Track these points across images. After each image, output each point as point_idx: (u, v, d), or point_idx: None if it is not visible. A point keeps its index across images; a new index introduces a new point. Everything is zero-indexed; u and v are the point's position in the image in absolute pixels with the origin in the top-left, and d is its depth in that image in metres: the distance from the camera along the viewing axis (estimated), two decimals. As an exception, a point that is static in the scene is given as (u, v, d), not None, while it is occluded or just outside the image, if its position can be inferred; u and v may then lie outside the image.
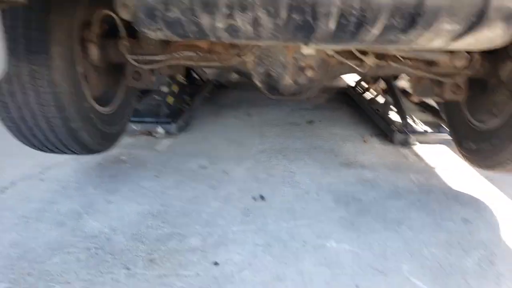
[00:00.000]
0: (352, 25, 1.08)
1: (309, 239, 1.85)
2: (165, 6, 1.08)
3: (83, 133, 1.97)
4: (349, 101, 4.49)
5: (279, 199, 2.22)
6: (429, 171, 2.66)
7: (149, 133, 3.23)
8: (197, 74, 4.48)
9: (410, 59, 1.99)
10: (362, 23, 1.07)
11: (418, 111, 3.93)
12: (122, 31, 1.99)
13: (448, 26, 1.06)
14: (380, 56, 1.97)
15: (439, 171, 2.65)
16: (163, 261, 1.67)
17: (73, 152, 2.10)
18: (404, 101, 3.47)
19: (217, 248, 1.76)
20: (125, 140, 3.05)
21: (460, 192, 2.38)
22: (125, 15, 1.44)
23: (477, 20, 1.04)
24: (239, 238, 1.84)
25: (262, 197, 2.22)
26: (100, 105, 2.18)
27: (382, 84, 4.12)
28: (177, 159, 2.75)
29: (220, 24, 1.11)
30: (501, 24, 1.05)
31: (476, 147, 2.15)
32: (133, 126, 3.25)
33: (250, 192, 2.28)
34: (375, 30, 1.09)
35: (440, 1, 1.01)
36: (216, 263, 1.66)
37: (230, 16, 1.08)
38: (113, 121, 2.32)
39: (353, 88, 4.59)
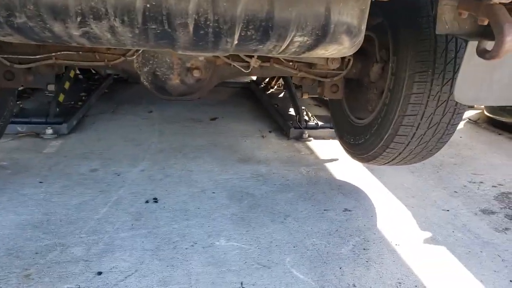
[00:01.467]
0: (211, 35, 1.11)
1: (200, 239, 1.88)
2: (8, 12, 1.00)
3: None
4: (251, 96, 4.60)
5: (173, 200, 2.21)
6: (318, 164, 2.85)
7: (37, 135, 3.00)
8: (94, 68, 4.24)
9: (291, 61, 2.11)
10: (220, 34, 1.10)
11: (314, 106, 4.19)
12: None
13: (299, 39, 1.14)
14: (264, 58, 2.06)
15: (328, 164, 2.86)
16: (40, 276, 1.58)
17: None
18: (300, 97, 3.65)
19: (102, 257, 1.71)
20: (8, 144, 2.80)
21: (344, 182, 2.59)
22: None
23: (322, 34, 1.14)
24: (127, 244, 1.81)
25: (155, 200, 2.20)
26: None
27: (282, 80, 4.29)
28: (66, 162, 2.59)
29: (76, 32, 1.07)
30: (345, 36, 1.17)
31: (354, 141, 2.35)
32: (18, 128, 2.99)
33: (143, 195, 2.24)
34: (234, 41, 1.14)
35: (287, 15, 1.08)
36: (99, 273, 1.62)
37: (84, 23, 1.04)
38: (-15, 125, 2.12)
39: (255, 83, 4.71)
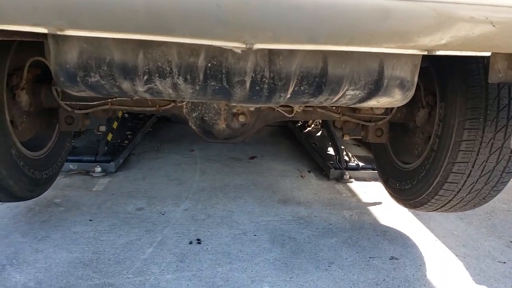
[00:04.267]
0: (265, 90, 1.16)
1: (243, 284, 1.87)
2: (85, 72, 1.10)
3: (8, 181, 1.89)
4: (289, 134, 4.64)
5: (216, 242, 2.23)
6: (361, 207, 2.80)
7: (87, 172, 3.14)
8: (139, 109, 4.44)
9: (335, 106, 2.13)
10: (274, 89, 1.15)
11: (353, 145, 4.16)
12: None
13: (351, 92, 1.17)
14: (308, 103, 2.09)
15: (371, 207, 2.80)
16: (90, 317, 1.62)
17: (-1, 200, 2.00)
18: (340, 137, 3.64)
19: (149, 299, 1.73)
20: (60, 181, 2.95)
21: (389, 228, 2.52)
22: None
23: (375, 88, 1.16)
24: (173, 286, 1.83)
25: (198, 241, 2.22)
26: (31, 149, 2.11)
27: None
28: (114, 200, 2.69)
29: (141, 88, 1.15)
30: (397, 90, 1.18)
31: (400, 186, 2.30)
32: (70, 166, 3.15)
33: (187, 235, 2.27)
34: (287, 95, 1.18)
35: (341, 71, 1.12)
36: (146, 316, 1.63)
37: (149, 81, 1.12)
38: (45, 166, 2.25)
39: (293, 122, 4.76)
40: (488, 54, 1.15)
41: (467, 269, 2.10)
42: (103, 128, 2.75)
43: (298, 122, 4.68)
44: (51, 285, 1.79)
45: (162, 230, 2.32)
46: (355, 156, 3.54)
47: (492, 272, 2.08)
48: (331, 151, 3.72)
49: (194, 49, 1.08)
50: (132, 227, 2.34)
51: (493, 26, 0.85)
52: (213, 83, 1.13)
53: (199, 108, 2.08)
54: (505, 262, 2.18)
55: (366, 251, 2.21)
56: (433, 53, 1.01)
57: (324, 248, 2.22)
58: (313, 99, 1.22)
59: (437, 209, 2.11)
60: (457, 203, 2.00)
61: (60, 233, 2.23)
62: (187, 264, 2.00)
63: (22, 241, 2.13)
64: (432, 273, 2.04)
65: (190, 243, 2.20)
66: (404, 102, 1.31)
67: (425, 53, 1.03)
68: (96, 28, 0.93)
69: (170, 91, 1.17)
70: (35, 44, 1.87)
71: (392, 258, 2.16)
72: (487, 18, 0.87)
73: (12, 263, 1.94)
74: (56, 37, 1.08)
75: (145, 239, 2.21)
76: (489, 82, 1.43)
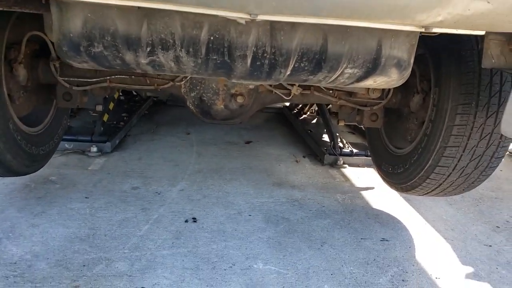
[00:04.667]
0: (266, 66, 1.18)
1: (238, 261, 1.92)
2: (89, 42, 1.11)
3: (6, 155, 1.90)
4: (285, 121, 4.67)
5: (211, 221, 2.27)
6: (354, 191, 2.85)
7: (82, 152, 3.15)
8: (135, 91, 4.43)
9: (332, 89, 2.16)
10: (275, 65, 1.17)
11: (347, 133, 4.20)
12: (53, 53, 1.97)
13: (349, 70, 1.20)
14: (305, 86, 2.12)
15: (364, 192, 2.85)
16: (88, 288, 1.65)
17: (-5, 175, 2.01)
18: (335, 123, 3.68)
19: (145, 273, 1.77)
20: (56, 159, 2.96)
21: (381, 211, 2.57)
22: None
23: (373, 67, 1.19)
24: (168, 262, 1.86)
25: (194, 219, 2.26)
26: (28, 125, 2.12)
27: (315, 106, 4.34)
28: (110, 179, 2.71)
29: (143, 60, 1.17)
30: (394, 69, 1.21)
31: (392, 170, 2.35)
32: (66, 145, 3.15)
33: (182, 214, 2.31)
34: (287, 71, 1.20)
35: (340, 48, 1.14)
36: (142, 288, 1.67)
37: (152, 53, 1.14)
38: (41, 142, 2.26)
39: (288, 108, 4.78)
40: (482, 33, 1.18)
41: (454, 251, 2.16)
42: (99, 107, 2.75)
43: (294, 109, 4.70)
44: (48, 257, 1.82)
45: (158, 208, 2.35)
46: (349, 142, 3.58)
47: (478, 254, 2.15)
48: (325, 137, 3.75)
49: (197, 22, 1.09)
50: (128, 205, 2.37)
51: (488, 2, 0.88)
52: (215, 57, 1.15)
53: (198, 88, 2.10)
54: (491, 245, 2.25)
55: (358, 232, 2.27)
56: (430, 30, 1.04)
57: (317, 228, 2.27)
58: (312, 77, 1.25)
59: (428, 192, 2.16)
60: (447, 187, 2.06)
61: (56, 209, 2.25)
62: (183, 241, 2.04)
63: (18, 215, 2.15)
64: (420, 254, 2.10)
65: (186, 221, 2.24)
66: (400, 83, 1.34)
67: (422, 29, 1.06)
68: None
69: (172, 64, 1.19)
70: (33, 18, 1.87)
71: (383, 239, 2.21)
72: (482, -5, 0.89)
73: (8, 236, 1.96)
74: (60, 5, 1.09)
75: (141, 217, 2.24)
76: (482, 67, 1.46)
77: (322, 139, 3.77)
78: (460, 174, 1.96)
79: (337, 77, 1.26)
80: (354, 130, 4.31)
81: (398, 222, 2.45)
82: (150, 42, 1.10)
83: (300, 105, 4.56)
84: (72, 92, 2.15)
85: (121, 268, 1.79)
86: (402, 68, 1.24)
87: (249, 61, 1.15)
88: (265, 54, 1.14)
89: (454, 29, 1.05)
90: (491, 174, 1.99)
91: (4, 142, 1.86)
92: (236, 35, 1.10)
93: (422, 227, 2.41)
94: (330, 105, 3.91)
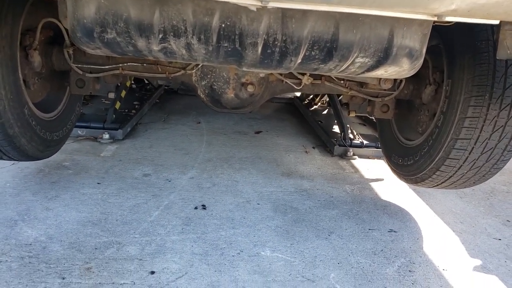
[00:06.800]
0: (277, 54, 1.18)
1: (246, 248, 1.94)
2: (102, 28, 1.13)
3: (21, 140, 1.94)
4: (295, 111, 4.66)
5: (220, 208, 2.29)
6: (363, 182, 2.85)
7: (95, 139, 3.20)
8: (147, 79, 4.47)
9: (343, 79, 2.15)
10: (286, 53, 1.18)
11: (358, 124, 4.18)
12: (67, 39, 1.99)
13: (360, 60, 1.19)
14: (316, 75, 2.12)
15: (373, 183, 2.85)
16: (100, 270, 1.69)
17: (11, 159, 2.06)
18: (345, 114, 3.67)
19: (155, 257, 1.81)
20: (69, 146, 3.01)
21: (389, 203, 2.57)
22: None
23: (384, 56, 1.18)
24: (178, 247, 1.90)
25: (203, 207, 2.29)
26: (42, 111, 2.16)
27: (326, 96, 4.33)
28: (121, 166, 2.75)
29: (155, 47, 1.18)
30: (406, 59, 1.21)
31: (402, 162, 2.34)
32: (79, 131, 3.21)
33: (192, 201, 2.34)
34: (298, 60, 1.20)
35: (351, 37, 1.14)
36: (152, 272, 1.71)
37: (164, 40, 1.15)
38: (55, 127, 2.30)
39: (299, 99, 4.77)
40: (497, 22, 1.16)
41: (463, 243, 2.16)
42: (112, 95, 2.79)
43: (304, 99, 4.69)
44: (62, 240, 1.87)
45: (168, 195, 2.39)
46: (360, 134, 3.56)
47: (487, 247, 2.14)
48: (336, 129, 3.75)
49: (209, 9, 1.10)
50: (139, 191, 2.41)
51: (503, -9, 0.86)
52: (226, 44, 1.15)
53: (208, 76, 2.11)
54: (500, 239, 2.24)
55: (366, 223, 2.27)
56: (443, 19, 1.03)
57: (325, 218, 2.28)
58: (323, 66, 1.25)
59: (438, 185, 2.15)
60: (458, 180, 2.05)
61: (70, 194, 2.30)
62: (192, 227, 2.07)
63: (33, 199, 2.21)
64: (428, 246, 2.10)
65: (195, 208, 2.27)
66: (412, 73, 1.33)
67: (435, 18, 1.05)
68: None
69: (184, 51, 1.20)
70: (48, 5, 1.90)
71: (390, 230, 2.22)
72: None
73: (24, 219, 2.01)
74: (74, -8, 1.11)
75: (152, 203, 2.28)
76: (497, 58, 1.44)
77: (333, 130, 3.77)
78: (471, 167, 1.94)
79: (348, 66, 1.25)
80: (365, 121, 4.28)
81: (407, 213, 2.45)
82: (162, 29, 1.11)
83: (311, 96, 4.55)
84: (85, 79, 2.18)
85: (132, 252, 1.83)
86: (414, 58, 1.23)
87: (260, 49, 1.16)
88: (276, 42, 1.14)
89: (468, 18, 1.04)
90: (502, 167, 1.97)
91: (19, 127, 1.90)
92: (247, 23, 1.11)
93: (431, 219, 2.40)
94: (341, 96, 3.91)
